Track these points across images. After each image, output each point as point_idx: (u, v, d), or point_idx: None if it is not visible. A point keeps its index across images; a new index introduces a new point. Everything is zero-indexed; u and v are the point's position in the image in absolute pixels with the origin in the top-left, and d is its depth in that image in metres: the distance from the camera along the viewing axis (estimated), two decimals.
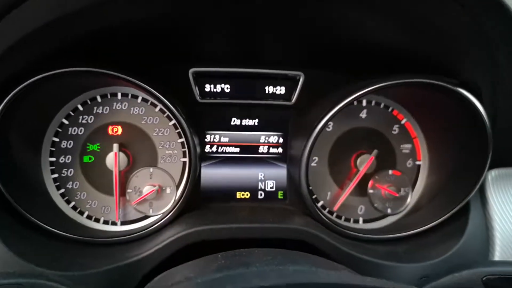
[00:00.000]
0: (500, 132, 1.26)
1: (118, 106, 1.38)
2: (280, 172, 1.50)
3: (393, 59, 1.25)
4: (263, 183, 1.49)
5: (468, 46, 1.12)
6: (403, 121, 1.50)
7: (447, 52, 1.16)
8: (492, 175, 1.31)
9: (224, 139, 1.47)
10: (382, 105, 1.49)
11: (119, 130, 1.38)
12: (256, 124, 1.48)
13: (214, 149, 1.47)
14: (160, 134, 1.40)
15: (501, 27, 1.02)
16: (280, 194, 1.50)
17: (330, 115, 1.24)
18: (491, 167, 1.30)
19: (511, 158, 1.33)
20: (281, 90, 1.45)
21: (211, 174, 1.47)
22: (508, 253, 1.25)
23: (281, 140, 1.49)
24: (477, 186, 1.24)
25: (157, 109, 1.39)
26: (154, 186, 1.37)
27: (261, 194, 1.49)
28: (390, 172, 1.47)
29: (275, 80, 1.44)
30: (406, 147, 1.51)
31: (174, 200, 1.36)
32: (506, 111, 1.24)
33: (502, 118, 1.25)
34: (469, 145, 1.29)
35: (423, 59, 1.21)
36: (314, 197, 1.47)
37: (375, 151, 1.43)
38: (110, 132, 1.37)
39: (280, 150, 1.49)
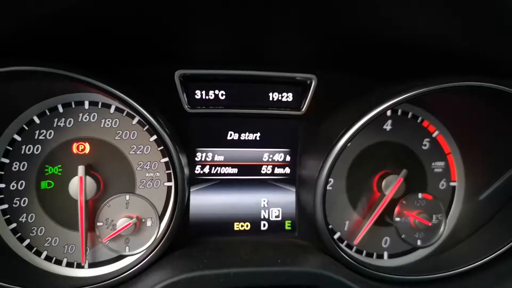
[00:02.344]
0: None
1: (85, 118, 1.10)
2: (288, 197, 1.23)
3: (435, 59, 1.00)
4: (267, 211, 1.22)
5: None
6: (435, 134, 1.24)
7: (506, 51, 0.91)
8: None
9: (219, 158, 1.19)
10: (409, 115, 1.23)
11: (87, 148, 1.10)
12: (258, 138, 1.21)
13: (206, 170, 1.19)
14: (138, 152, 1.12)
15: None
16: (287, 225, 1.23)
17: (356, 129, 0.98)
18: None
19: None
20: (288, 97, 1.19)
21: (202, 201, 1.19)
22: None
23: (288, 158, 1.22)
24: None
25: (134, 121, 1.11)
26: (131, 218, 1.09)
27: (264, 225, 1.22)
28: (420, 195, 1.22)
29: (281, 85, 1.18)
30: (438, 165, 1.25)
31: (157, 235, 1.09)
32: None
33: None
34: None
35: (472, 60, 0.96)
36: (329, 227, 1.20)
37: (403, 171, 1.17)
38: (74, 150, 1.09)
39: (287, 170, 1.22)
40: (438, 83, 0.92)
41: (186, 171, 1.07)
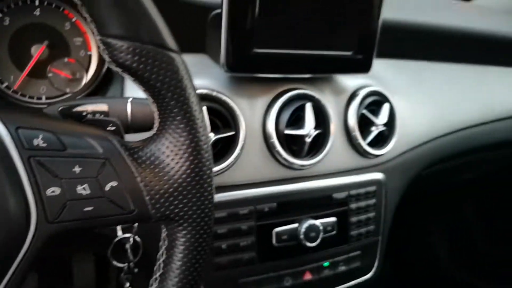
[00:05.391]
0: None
1: None
2: None
3: None
4: None
5: None
6: (74, 19, 1.92)
7: None
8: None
9: None
10: (53, 5, 1.88)
11: None
12: None
13: None
14: None
15: None
16: None
17: None
18: None
19: None
20: None
21: None
22: None
23: None
24: None
25: None
26: None
27: None
28: (66, 60, 1.90)
29: None
30: (78, 40, 1.95)
31: None
32: None
33: None
34: None
35: None
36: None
37: (45, 42, 1.84)
38: None
39: None
40: None
41: None
